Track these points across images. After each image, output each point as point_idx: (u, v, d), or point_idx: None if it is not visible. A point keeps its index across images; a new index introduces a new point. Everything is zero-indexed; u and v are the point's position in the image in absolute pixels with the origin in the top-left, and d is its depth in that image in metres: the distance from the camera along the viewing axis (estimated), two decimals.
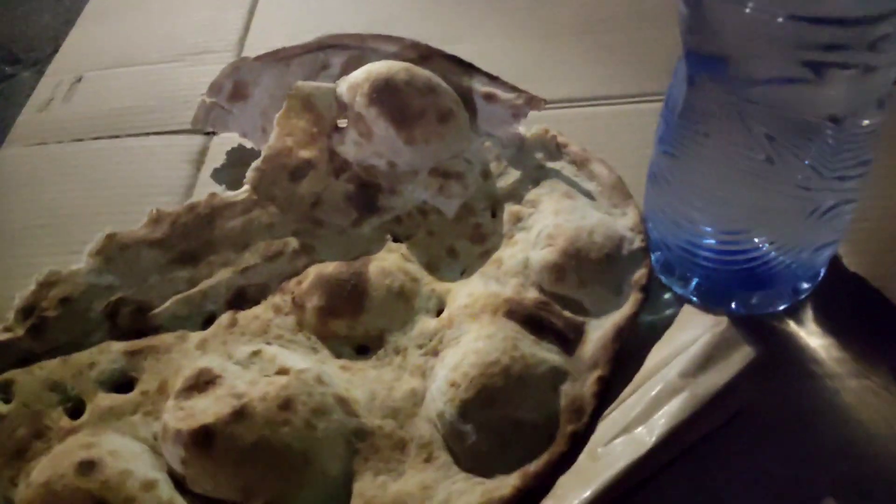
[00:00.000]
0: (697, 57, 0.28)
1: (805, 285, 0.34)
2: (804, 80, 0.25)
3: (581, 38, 0.51)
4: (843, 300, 0.35)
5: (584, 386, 0.30)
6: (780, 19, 0.23)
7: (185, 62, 0.53)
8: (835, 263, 0.35)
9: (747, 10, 0.23)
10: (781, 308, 0.34)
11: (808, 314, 0.34)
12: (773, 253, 0.32)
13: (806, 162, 0.28)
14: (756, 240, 0.31)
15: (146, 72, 0.53)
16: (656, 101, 0.44)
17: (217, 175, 0.45)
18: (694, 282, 0.34)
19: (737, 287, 0.34)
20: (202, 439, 0.28)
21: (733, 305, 0.34)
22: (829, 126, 0.27)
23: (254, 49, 0.53)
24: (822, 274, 0.35)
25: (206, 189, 0.42)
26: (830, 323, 0.34)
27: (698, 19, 0.26)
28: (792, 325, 0.34)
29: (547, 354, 0.31)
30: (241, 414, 0.28)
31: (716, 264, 0.33)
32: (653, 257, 0.35)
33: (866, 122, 0.28)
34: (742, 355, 0.29)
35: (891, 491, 0.28)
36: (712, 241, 0.32)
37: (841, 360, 0.32)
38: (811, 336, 0.34)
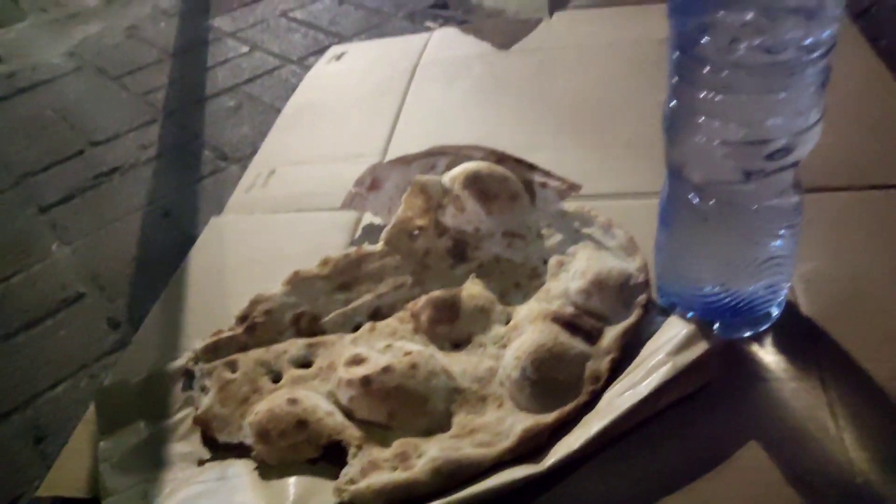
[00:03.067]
0: (671, 163, 0.43)
1: (763, 317, 0.46)
2: (737, 181, 0.39)
3: (632, 149, 0.64)
4: (796, 334, 0.46)
5: (601, 364, 0.44)
6: (716, 143, 0.39)
7: (347, 162, 0.71)
8: (791, 308, 0.47)
9: (697, 139, 0.39)
10: (747, 334, 0.46)
11: (768, 340, 0.46)
12: (728, 294, 0.45)
13: (741, 232, 0.42)
14: (719, 285, 0.45)
15: (319, 168, 0.72)
16: None
17: (360, 238, 0.62)
18: (689, 314, 0.47)
19: (716, 317, 0.46)
20: (365, 381, 0.43)
21: (716, 329, 0.47)
22: (756, 207, 0.41)
23: (393, 152, 0.71)
24: (776, 312, 0.46)
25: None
26: (783, 347, 0.45)
27: (670, 141, 0.42)
28: (755, 346, 0.46)
29: (578, 343, 0.45)
30: (387, 369, 0.44)
31: (701, 302, 0.46)
32: (662, 299, 0.49)
33: (785, 201, 0.42)
34: (704, 344, 0.43)
35: (809, 454, 0.39)
36: (695, 287, 0.46)
37: (785, 370, 0.44)
38: (766, 354, 0.45)
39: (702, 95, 0.38)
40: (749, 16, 0.35)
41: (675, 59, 0.39)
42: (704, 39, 0.36)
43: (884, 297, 0.47)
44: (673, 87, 0.40)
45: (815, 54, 0.36)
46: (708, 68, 0.37)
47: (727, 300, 0.46)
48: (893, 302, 0.46)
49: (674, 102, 0.40)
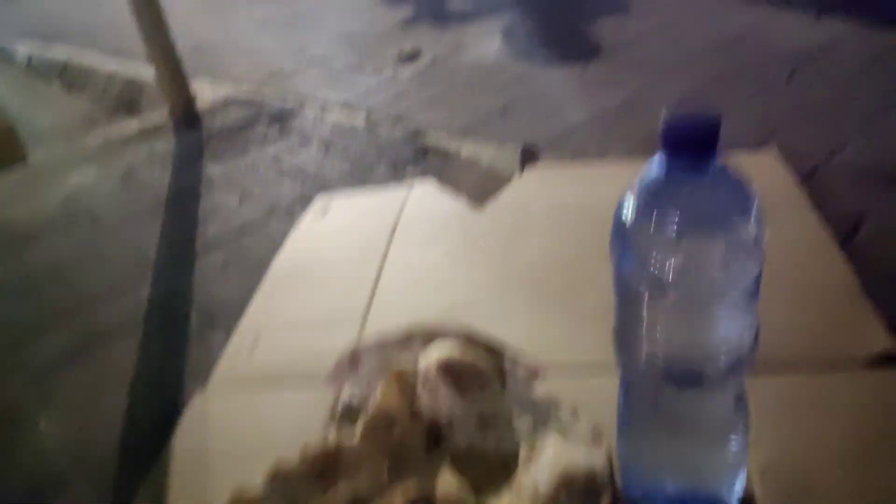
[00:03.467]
0: (622, 374, 0.46)
1: None
2: (676, 398, 0.43)
3: (599, 321, 0.61)
4: None
5: None
6: (658, 363, 0.42)
7: (324, 330, 0.73)
8: (749, 500, 0.48)
9: (641, 358, 0.43)
10: None
11: None
12: (686, 490, 0.47)
13: (691, 437, 0.45)
14: (677, 482, 0.47)
15: (302, 334, 0.74)
16: None
17: (340, 418, 0.64)
18: None
19: None
20: None
21: None
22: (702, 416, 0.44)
23: (372, 321, 0.73)
24: None
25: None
26: None
27: (619, 355, 0.45)
28: None
29: None
30: None
31: (662, 496, 0.48)
32: (626, 491, 0.50)
33: (729, 411, 0.45)
34: None
35: None
36: (655, 484, 0.48)
37: None
38: None
39: (643, 325, 0.42)
40: (677, 269, 0.39)
41: (619, 291, 0.43)
42: (640, 285, 0.40)
43: (834, 487, 0.49)
44: (618, 311, 0.44)
45: (737, 291, 0.40)
46: (646, 304, 0.41)
47: (686, 496, 0.48)
48: (842, 492, 0.49)
49: (620, 323, 0.44)
